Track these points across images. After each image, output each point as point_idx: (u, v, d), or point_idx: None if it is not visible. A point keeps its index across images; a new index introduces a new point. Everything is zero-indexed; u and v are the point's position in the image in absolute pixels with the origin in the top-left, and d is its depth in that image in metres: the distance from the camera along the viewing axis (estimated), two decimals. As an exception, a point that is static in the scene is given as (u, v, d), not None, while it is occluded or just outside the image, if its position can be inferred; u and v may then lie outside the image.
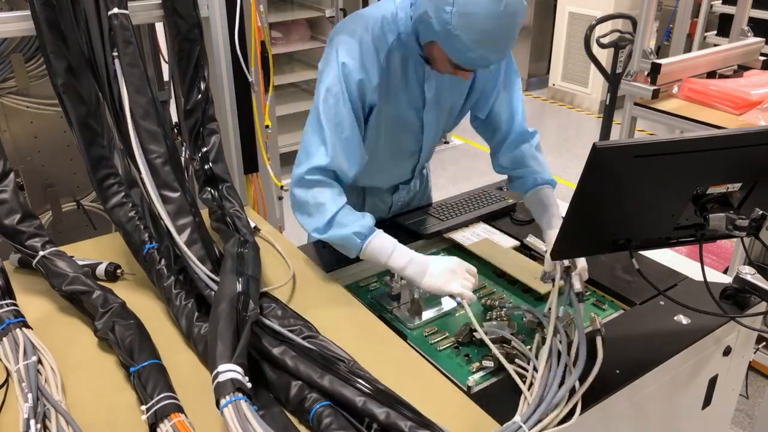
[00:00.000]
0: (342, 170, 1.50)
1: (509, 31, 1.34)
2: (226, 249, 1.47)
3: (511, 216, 1.94)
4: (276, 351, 1.23)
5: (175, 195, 1.46)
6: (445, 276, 1.39)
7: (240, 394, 1.04)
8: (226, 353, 1.11)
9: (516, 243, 1.79)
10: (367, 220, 1.48)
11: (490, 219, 1.91)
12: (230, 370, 1.07)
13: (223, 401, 1.03)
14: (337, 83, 1.47)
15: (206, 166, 1.69)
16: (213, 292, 1.34)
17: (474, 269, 1.43)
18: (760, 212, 1.23)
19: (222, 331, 1.15)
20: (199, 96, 1.70)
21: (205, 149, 1.69)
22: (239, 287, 1.29)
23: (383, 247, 1.45)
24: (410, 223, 1.85)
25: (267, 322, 1.29)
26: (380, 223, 1.89)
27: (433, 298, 1.53)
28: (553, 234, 1.55)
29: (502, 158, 1.73)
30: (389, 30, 1.50)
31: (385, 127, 1.61)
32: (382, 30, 1.50)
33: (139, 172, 1.48)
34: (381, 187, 1.85)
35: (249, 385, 1.07)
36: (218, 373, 1.07)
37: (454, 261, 1.42)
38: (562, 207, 1.98)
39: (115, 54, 1.51)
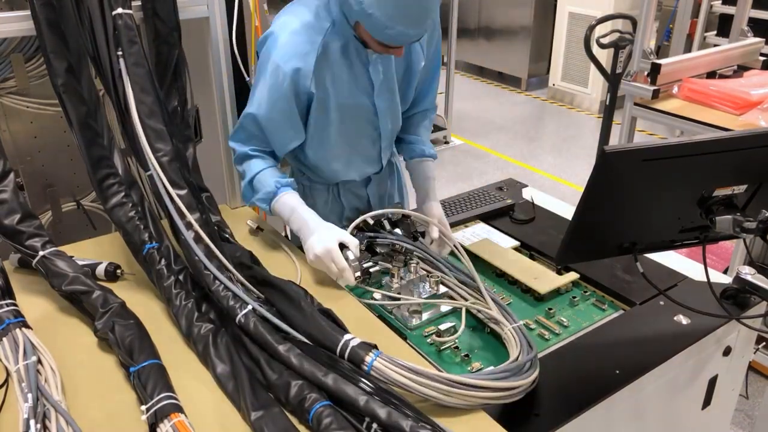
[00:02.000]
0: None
1: (423, 4, 1.36)
2: (242, 259, 1.51)
3: (510, 216, 1.94)
4: (282, 348, 1.24)
5: (183, 192, 1.47)
6: (318, 253, 1.47)
7: (376, 350, 1.20)
8: (337, 329, 1.27)
9: (516, 243, 1.79)
10: (285, 179, 1.60)
11: (490, 219, 1.92)
12: (354, 338, 1.23)
13: (368, 359, 1.18)
14: (271, 79, 1.53)
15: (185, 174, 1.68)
16: (222, 287, 1.35)
17: (354, 242, 1.50)
18: (767, 214, 1.23)
19: (320, 318, 1.29)
20: (176, 102, 1.68)
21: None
22: (300, 288, 1.40)
23: (284, 209, 1.58)
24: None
25: (272, 318, 1.30)
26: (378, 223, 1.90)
27: (432, 299, 1.53)
28: (433, 205, 1.71)
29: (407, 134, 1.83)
30: (324, 17, 1.53)
31: (336, 114, 1.63)
32: (317, 17, 1.52)
33: (147, 170, 1.48)
34: (353, 179, 1.84)
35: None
36: (348, 342, 1.21)
37: (329, 241, 1.47)
38: (562, 207, 1.99)
39: (120, 53, 1.51)
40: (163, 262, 1.47)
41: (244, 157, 1.65)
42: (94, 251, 1.63)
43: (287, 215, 1.57)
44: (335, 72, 1.57)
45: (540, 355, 1.33)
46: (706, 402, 1.58)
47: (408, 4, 1.34)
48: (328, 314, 1.33)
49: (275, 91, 1.53)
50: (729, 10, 4.19)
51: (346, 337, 1.24)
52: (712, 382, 1.55)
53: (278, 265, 1.58)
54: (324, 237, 1.48)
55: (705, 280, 1.33)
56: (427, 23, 1.42)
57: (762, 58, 3.12)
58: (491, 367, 1.29)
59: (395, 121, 1.76)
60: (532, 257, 1.71)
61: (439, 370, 1.29)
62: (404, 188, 2.04)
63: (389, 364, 1.17)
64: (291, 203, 1.58)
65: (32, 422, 1.05)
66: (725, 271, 2.69)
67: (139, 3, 1.62)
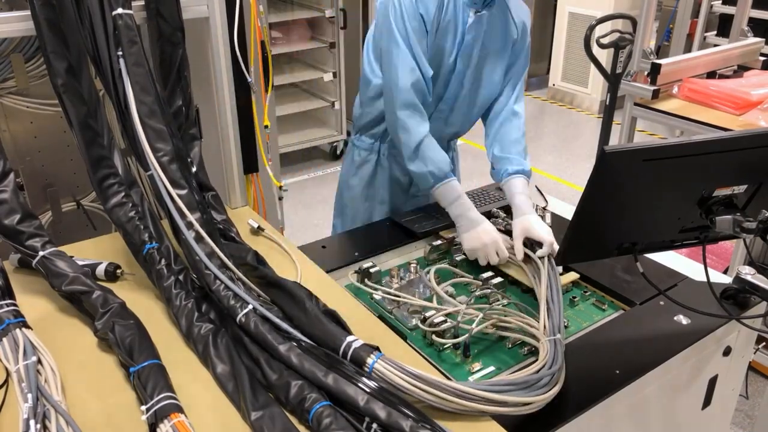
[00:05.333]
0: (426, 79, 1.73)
1: None
2: (248, 259, 1.49)
3: (510, 215, 1.93)
4: (282, 348, 1.24)
5: (183, 192, 1.46)
6: (475, 245, 1.64)
7: (378, 352, 1.20)
8: (340, 331, 1.27)
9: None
10: (445, 164, 1.72)
11: (490, 218, 1.91)
12: (356, 339, 1.23)
13: (369, 360, 1.18)
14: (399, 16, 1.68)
15: (192, 171, 1.68)
16: (222, 287, 1.35)
17: (504, 253, 1.64)
18: (767, 214, 1.23)
19: (324, 320, 1.29)
20: (181, 101, 1.67)
21: (189, 158, 1.67)
22: (305, 289, 1.39)
23: (447, 194, 1.72)
24: (406, 220, 1.86)
25: (272, 318, 1.30)
26: (378, 223, 1.90)
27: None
28: (518, 222, 1.69)
29: (494, 146, 1.89)
30: None
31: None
32: None
33: (147, 170, 1.48)
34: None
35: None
36: (350, 344, 1.22)
37: (490, 237, 1.63)
38: (562, 207, 1.99)
39: (120, 53, 1.51)
40: (163, 262, 1.47)
41: (410, 105, 1.72)
42: (94, 251, 1.63)
43: (451, 199, 1.71)
44: (442, 21, 1.71)
45: (540, 355, 1.32)
46: (706, 402, 1.58)
47: None
48: (333, 315, 1.33)
49: (409, 22, 1.68)
50: (729, 10, 4.19)
51: (349, 338, 1.23)
52: (712, 382, 1.55)
53: (278, 265, 1.58)
54: (490, 229, 1.66)
55: (705, 280, 1.33)
56: None
57: (762, 58, 3.13)
58: (503, 377, 1.26)
59: (465, 101, 1.92)
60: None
61: (440, 370, 1.29)
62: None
63: (390, 367, 1.17)
64: (458, 190, 1.72)
65: (32, 422, 1.05)
66: (725, 271, 2.69)
67: (142, 3, 1.62)
